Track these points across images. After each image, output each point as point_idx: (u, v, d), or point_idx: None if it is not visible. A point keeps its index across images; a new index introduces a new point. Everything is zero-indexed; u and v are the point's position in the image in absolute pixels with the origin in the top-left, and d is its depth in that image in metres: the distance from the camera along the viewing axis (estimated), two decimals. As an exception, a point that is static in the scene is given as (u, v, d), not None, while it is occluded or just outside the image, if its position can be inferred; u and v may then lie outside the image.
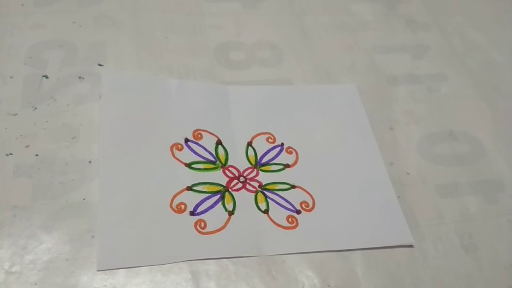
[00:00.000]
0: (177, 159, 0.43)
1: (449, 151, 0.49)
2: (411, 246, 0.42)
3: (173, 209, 0.40)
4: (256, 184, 0.43)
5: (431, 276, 0.41)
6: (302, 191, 0.44)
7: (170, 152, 0.44)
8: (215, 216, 0.41)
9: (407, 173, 0.47)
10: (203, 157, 0.44)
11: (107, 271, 0.37)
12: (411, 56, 0.57)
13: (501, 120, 0.52)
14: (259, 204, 0.42)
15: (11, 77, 0.46)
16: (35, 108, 0.44)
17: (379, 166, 0.46)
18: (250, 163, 0.45)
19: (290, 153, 0.46)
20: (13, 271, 0.36)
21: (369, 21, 0.59)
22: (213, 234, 0.40)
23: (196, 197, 0.42)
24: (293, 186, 0.44)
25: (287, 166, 0.45)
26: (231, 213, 0.41)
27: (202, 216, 0.41)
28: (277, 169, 0.45)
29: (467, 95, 0.54)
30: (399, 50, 0.57)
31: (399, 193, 0.45)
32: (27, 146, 0.42)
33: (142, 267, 0.37)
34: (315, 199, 0.43)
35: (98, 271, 0.37)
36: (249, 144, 0.46)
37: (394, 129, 0.50)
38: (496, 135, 0.51)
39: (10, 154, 0.41)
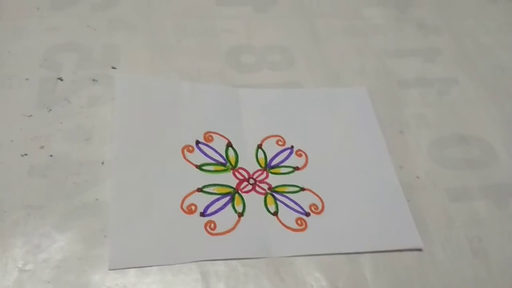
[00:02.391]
0: (188, 161, 0.44)
1: (460, 155, 0.49)
2: (420, 249, 0.42)
3: (183, 210, 0.41)
4: (265, 186, 0.44)
5: (440, 280, 0.41)
6: (311, 193, 0.44)
7: (181, 154, 0.44)
8: (225, 217, 0.41)
9: (417, 177, 0.47)
10: (213, 159, 0.44)
11: (118, 270, 0.37)
12: (422, 59, 0.57)
13: (512, 124, 0.52)
14: (269, 206, 0.43)
15: (26, 79, 0.47)
16: (50, 110, 0.45)
17: (389, 169, 0.46)
18: (260, 165, 0.45)
19: (300, 156, 0.46)
20: (27, 269, 0.37)
21: (380, 24, 0.59)
22: (223, 235, 0.40)
23: (207, 199, 0.42)
24: (302, 189, 0.44)
25: (296, 168, 0.45)
26: (240, 214, 0.42)
27: (212, 217, 0.41)
28: (286, 171, 0.45)
29: (478, 99, 0.54)
30: (410, 54, 0.57)
31: (408, 197, 0.45)
32: (42, 147, 0.43)
33: (153, 267, 0.38)
34: (324, 202, 0.44)
35: (109, 270, 0.37)
36: (259, 146, 0.46)
37: (405, 132, 0.50)
38: (507, 140, 0.51)
39: (25, 154, 0.42)
